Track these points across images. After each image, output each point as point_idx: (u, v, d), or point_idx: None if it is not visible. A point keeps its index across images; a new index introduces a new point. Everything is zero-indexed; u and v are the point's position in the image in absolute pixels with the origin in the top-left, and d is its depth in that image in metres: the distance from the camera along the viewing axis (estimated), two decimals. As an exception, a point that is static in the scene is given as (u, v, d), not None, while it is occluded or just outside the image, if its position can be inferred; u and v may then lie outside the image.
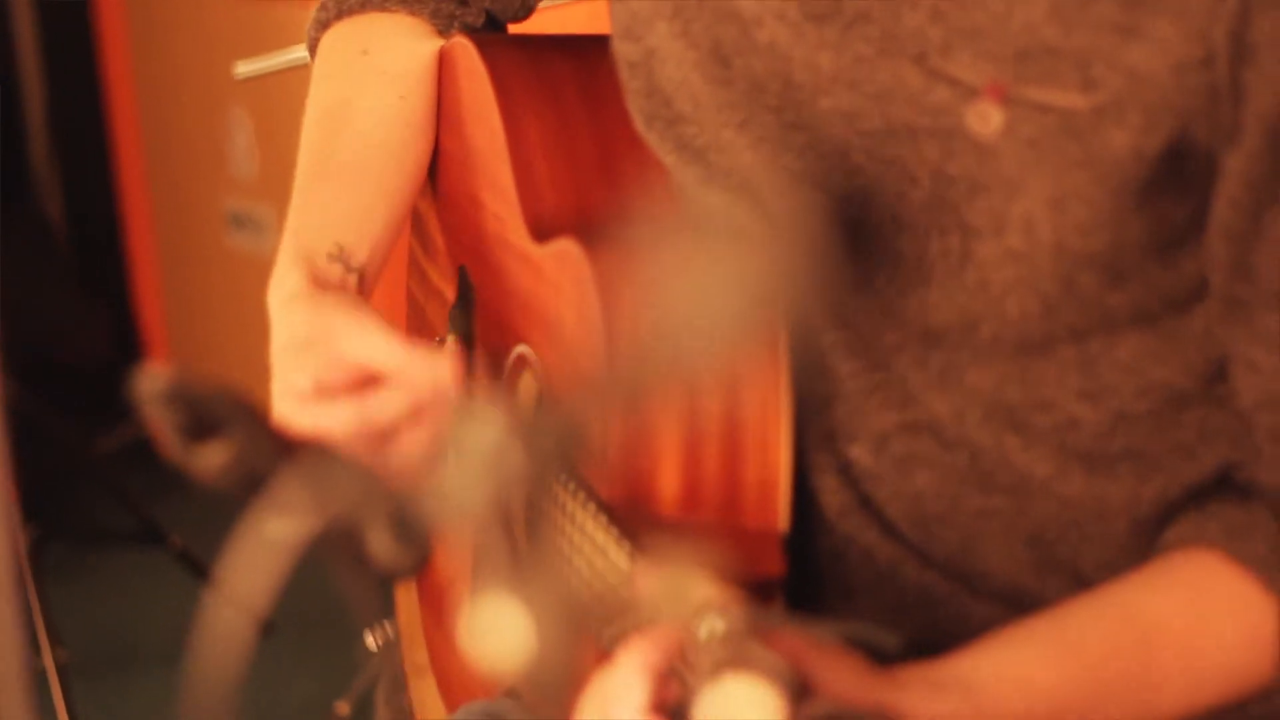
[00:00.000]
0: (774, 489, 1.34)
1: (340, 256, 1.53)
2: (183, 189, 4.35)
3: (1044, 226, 1.28)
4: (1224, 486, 1.37)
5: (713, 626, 1.11)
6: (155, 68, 4.37)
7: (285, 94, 3.97)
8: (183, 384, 1.10)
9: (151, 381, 1.10)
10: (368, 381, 1.40)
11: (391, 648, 3.21)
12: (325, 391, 1.39)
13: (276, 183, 4.08)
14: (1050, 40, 1.26)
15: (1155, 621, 1.30)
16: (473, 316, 1.68)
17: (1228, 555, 1.31)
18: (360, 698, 3.27)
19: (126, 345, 4.53)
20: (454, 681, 1.78)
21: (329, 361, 1.40)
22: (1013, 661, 1.27)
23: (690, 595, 1.13)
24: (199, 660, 1.03)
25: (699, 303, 0.96)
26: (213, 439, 1.13)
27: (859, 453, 1.39)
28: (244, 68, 2.77)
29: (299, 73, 3.79)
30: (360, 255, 1.56)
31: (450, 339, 1.73)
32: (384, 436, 1.39)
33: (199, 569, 3.66)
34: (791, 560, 1.34)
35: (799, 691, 1.11)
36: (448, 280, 1.75)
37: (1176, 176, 1.28)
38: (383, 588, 1.38)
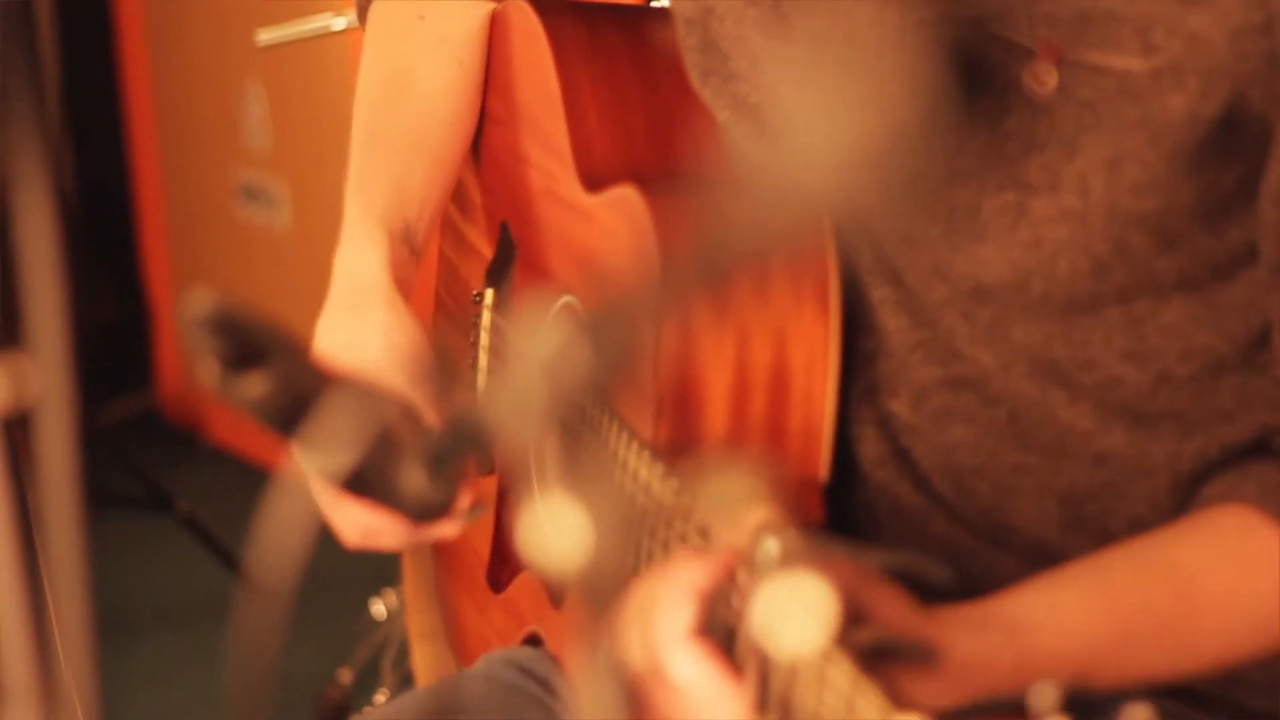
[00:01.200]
0: (817, 438, 1.37)
1: (407, 237, 1.59)
2: (195, 160, 4.36)
3: (1098, 186, 1.30)
4: (1261, 449, 1.38)
5: (768, 548, 1.13)
6: (170, 38, 4.37)
7: (300, 67, 3.98)
8: (226, 311, 1.10)
9: (196, 306, 1.11)
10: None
11: (398, 615, 3.22)
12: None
13: (289, 156, 4.08)
14: (1112, 5, 1.28)
15: (1192, 574, 1.32)
16: (513, 270, 1.71)
17: (1264, 512, 1.33)
18: (363, 665, 3.28)
19: (134, 315, 4.54)
20: (469, 638, 1.80)
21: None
22: (1054, 605, 1.29)
23: (745, 516, 1.15)
24: (242, 615, 1.04)
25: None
26: (253, 369, 1.13)
27: (899, 406, 1.42)
28: (266, 35, 2.78)
29: (315, 46, 3.81)
30: (421, 234, 1.63)
31: (489, 293, 1.75)
32: None
33: (205, 535, 3.67)
34: (827, 508, 1.37)
35: (849, 617, 1.12)
36: (486, 238, 1.77)
37: (1229, 142, 1.30)
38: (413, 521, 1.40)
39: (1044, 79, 1.31)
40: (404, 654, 3.08)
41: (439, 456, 1.12)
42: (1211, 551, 1.34)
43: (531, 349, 0.70)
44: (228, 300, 1.09)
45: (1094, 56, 1.29)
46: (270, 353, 1.12)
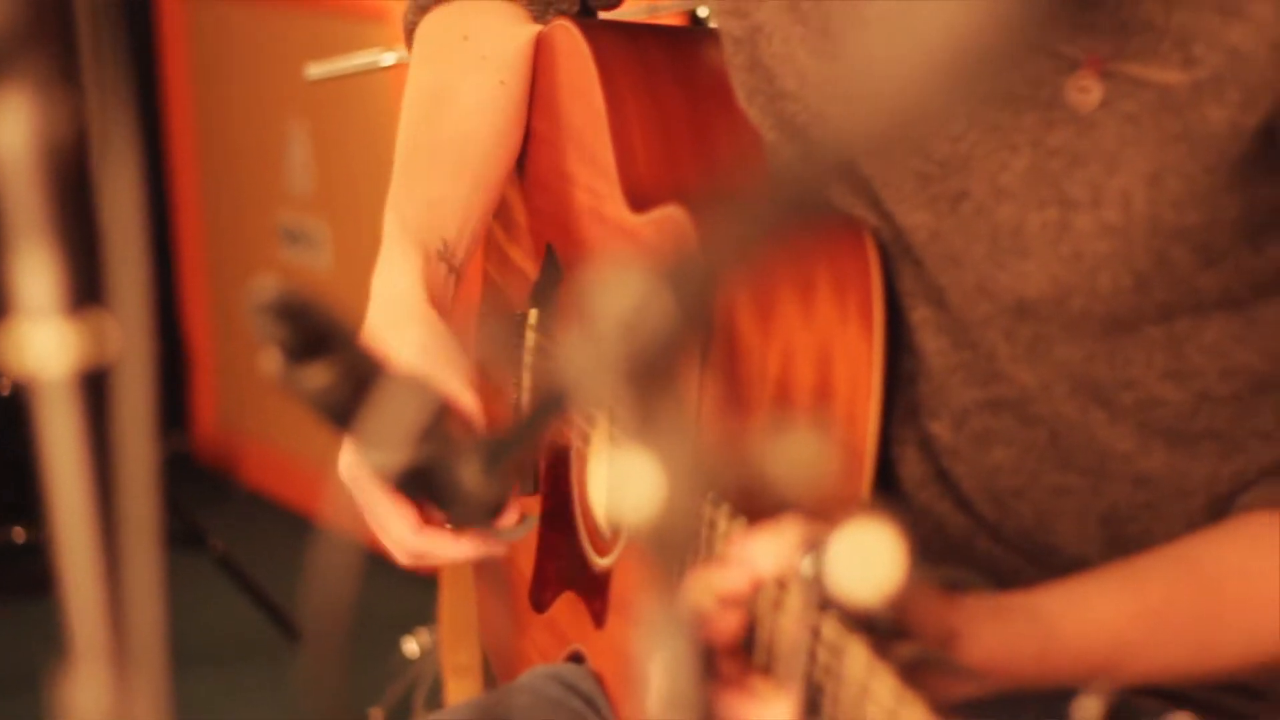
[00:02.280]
0: (860, 459, 1.37)
1: (445, 255, 1.60)
2: (237, 202, 4.39)
3: (1140, 200, 1.31)
4: None
5: (810, 564, 1.14)
6: (214, 80, 4.41)
7: (343, 109, 4.01)
8: (292, 298, 1.11)
9: (263, 293, 1.11)
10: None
11: (430, 653, 3.23)
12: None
13: (331, 198, 4.11)
14: (1150, 17, 1.30)
15: (1218, 569, 1.33)
16: (559, 290, 1.72)
17: None
18: (395, 705, 3.29)
19: (173, 357, 4.56)
20: (510, 654, 1.81)
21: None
22: (1079, 596, 1.30)
23: (790, 535, 1.16)
24: (313, 595, 1.05)
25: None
26: (316, 359, 1.14)
27: (939, 428, 1.42)
28: (316, 70, 2.80)
29: (357, 88, 3.85)
30: (460, 252, 1.64)
31: (534, 313, 1.76)
32: None
33: (238, 574, 3.68)
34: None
35: (892, 632, 1.13)
36: (531, 258, 1.79)
37: (1271, 156, 1.31)
38: (470, 521, 1.41)
39: (1088, 91, 1.32)
40: (436, 692, 3.08)
41: (494, 451, 1.12)
42: (1240, 553, 1.34)
43: (609, 303, 0.71)
44: (294, 288, 1.10)
45: (1136, 69, 1.31)
46: (333, 344, 1.12)
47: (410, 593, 3.58)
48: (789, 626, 1.15)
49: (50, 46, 0.73)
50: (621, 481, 0.71)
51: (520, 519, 1.47)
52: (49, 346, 0.74)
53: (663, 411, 0.70)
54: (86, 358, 0.74)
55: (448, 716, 1.61)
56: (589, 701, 1.60)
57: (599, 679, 1.58)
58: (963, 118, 1.36)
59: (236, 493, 4.41)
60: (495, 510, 1.28)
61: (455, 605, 2.72)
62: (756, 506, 1.28)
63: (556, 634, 1.67)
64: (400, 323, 1.56)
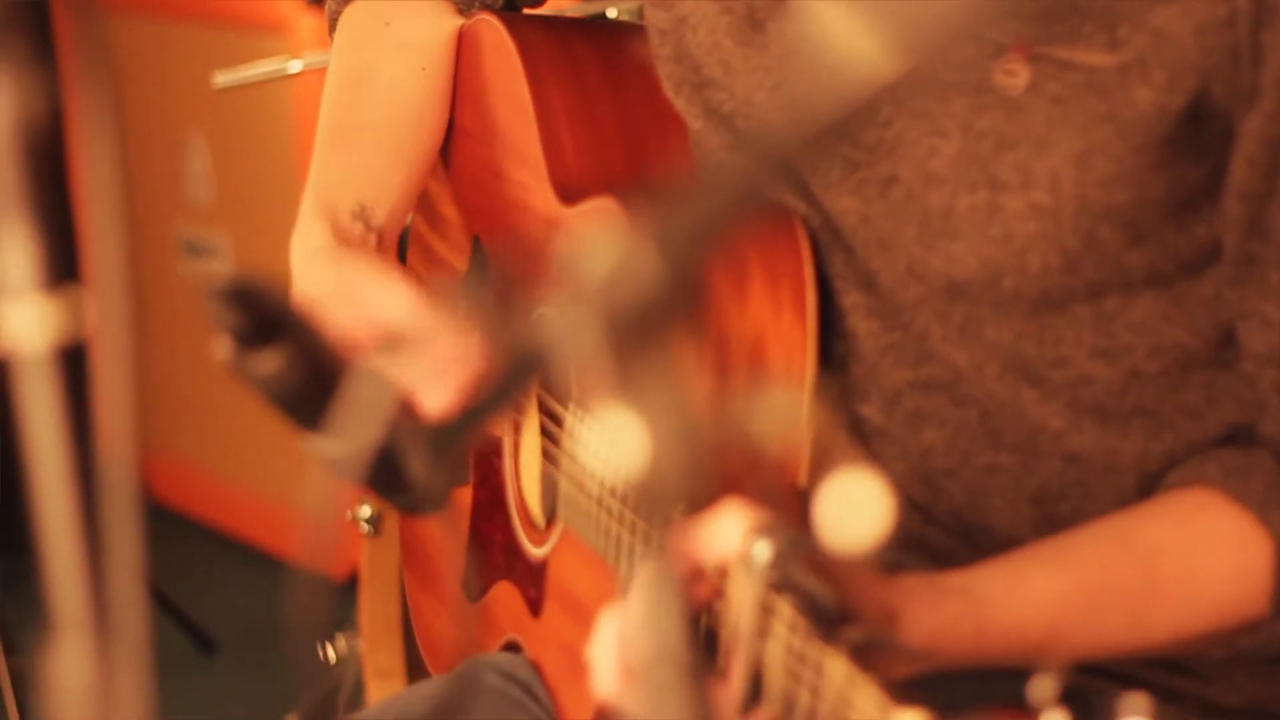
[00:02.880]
0: (796, 448, 1.39)
1: (361, 215, 1.59)
2: (137, 214, 4.36)
3: (1068, 181, 1.33)
4: (1228, 442, 1.42)
5: (760, 550, 1.15)
6: (113, 91, 4.38)
7: (242, 120, 3.99)
8: (243, 284, 1.11)
9: (214, 279, 1.11)
10: (391, 339, 1.43)
11: (350, 658, 3.22)
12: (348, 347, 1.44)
13: (231, 209, 4.09)
14: (1077, 1, 1.32)
15: (1152, 546, 1.36)
16: (488, 283, 1.73)
17: (1225, 493, 1.36)
18: (310, 711, 3.27)
19: (73, 370, 4.52)
20: (442, 648, 1.82)
21: (353, 318, 1.44)
22: (1014, 574, 1.32)
23: (734, 522, 1.18)
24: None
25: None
26: (267, 346, 1.13)
27: (870, 411, 1.44)
28: (222, 78, 2.79)
29: (257, 99, 3.83)
30: (379, 216, 1.62)
31: (463, 307, 1.77)
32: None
33: (150, 587, 3.66)
34: (805, 516, 1.39)
35: (839, 616, 1.14)
36: (458, 252, 1.79)
37: (1196, 136, 1.33)
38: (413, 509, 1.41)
39: (1016, 74, 1.34)
40: (357, 695, 3.07)
41: (443, 437, 1.13)
42: (1173, 530, 1.37)
43: (589, 262, 0.72)
44: (245, 273, 1.10)
45: (1062, 51, 1.33)
46: (286, 329, 1.12)
47: (325, 600, 3.61)
48: (734, 612, 1.16)
49: (25, 26, 0.74)
50: (607, 442, 0.72)
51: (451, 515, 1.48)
52: (27, 323, 0.75)
53: (646, 372, 0.71)
54: (65, 334, 0.75)
55: (400, 704, 1.62)
56: (527, 689, 1.60)
57: (536, 667, 1.59)
58: (890, 104, 1.38)
59: (146, 507, 4.37)
60: (443, 499, 1.28)
61: (376, 607, 2.72)
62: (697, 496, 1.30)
63: (491, 623, 1.68)
64: (307, 266, 1.55)
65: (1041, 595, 1.32)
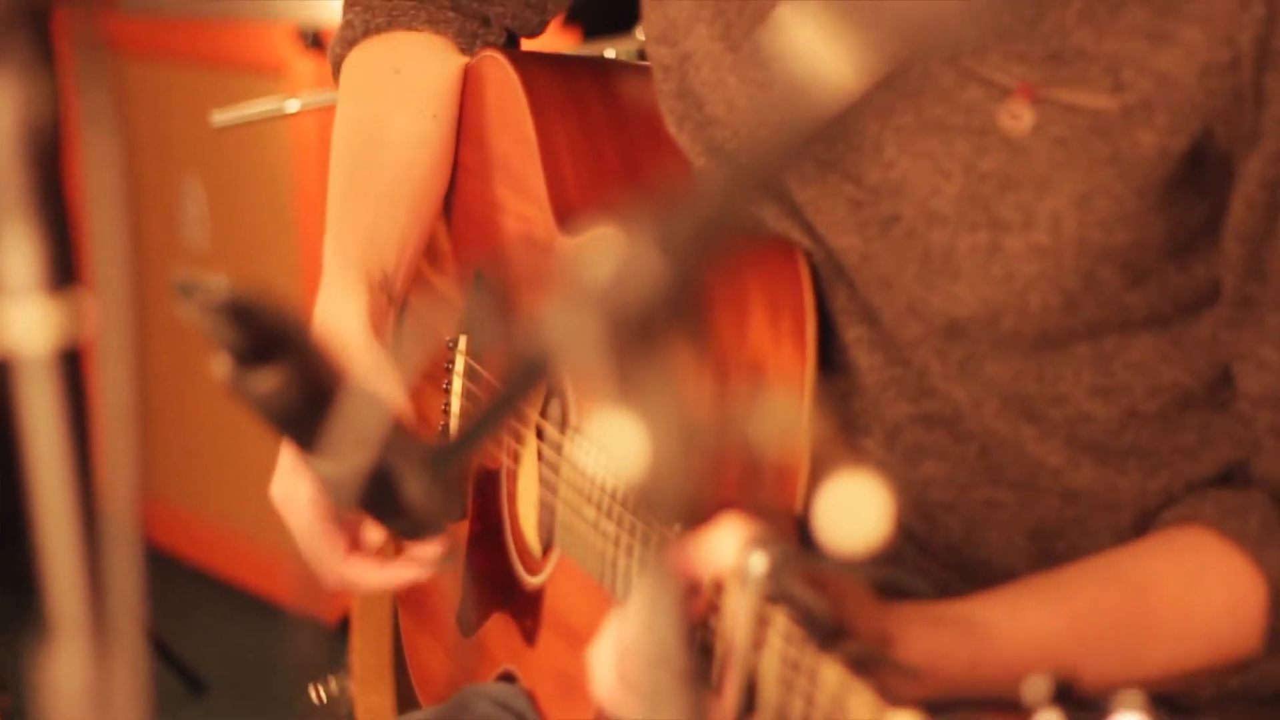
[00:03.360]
0: (794, 474, 1.39)
1: (385, 286, 1.62)
2: (132, 257, 4.36)
3: (1070, 222, 1.34)
4: (1225, 481, 1.42)
5: (756, 562, 1.15)
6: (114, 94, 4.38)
7: (238, 164, 4.00)
8: (242, 300, 1.10)
9: (212, 293, 1.10)
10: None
11: (338, 700, 3.21)
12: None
13: (227, 252, 4.10)
14: (1081, 44, 1.33)
15: (1146, 582, 1.36)
16: (490, 314, 1.73)
17: (1220, 532, 1.37)
18: (301, 752, 3.27)
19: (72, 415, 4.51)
20: (436, 682, 1.82)
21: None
22: (1009, 606, 1.33)
23: (731, 535, 1.18)
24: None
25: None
26: (266, 364, 1.13)
27: (871, 445, 1.44)
28: (220, 116, 2.80)
29: (254, 140, 3.83)
30: (398, 283, 1.67)
31: (462, 340, 1.77)
32: None
33: (159, 647, 3.66)
34: (801, 541, 1.39)
35: (835, 630, 1.14)
36: (457, 285, 1.80)
37: (1197, 178, 1.34)
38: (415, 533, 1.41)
39: (1020, 117, 1.35)
40: (346, 737, 3.06)
41: (441, 459, 1.12)
42: (1167, 565, 1.37)
43: (592, 264, 0.72)
44: (245, 289, 1.09)
45: (1066, 94, 1.33)
46: (284, 347, 1.12)
47: (317, 642, 3.62)
48: (729, 625, 1.16)
49: (28, 29, 0.74)
50: (609, 446, 0.72)
51: (446, 554, 1.48)
52: (29, 324, 0.75)
53: (648, 375, 0.71)
54: (67, 335, 0.75)
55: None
56: (521, 718, 1.60)
57: (531, 696, 1.59)
58: (894, 145, 1.39)
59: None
60: (439, 523, 1.29)
61: (367, 647, 2.71)
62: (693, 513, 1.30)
63: (485, 656, 1.68)
64: (348, 360, 1.58)
65: (1036, 627, 1.32)
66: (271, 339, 1.11)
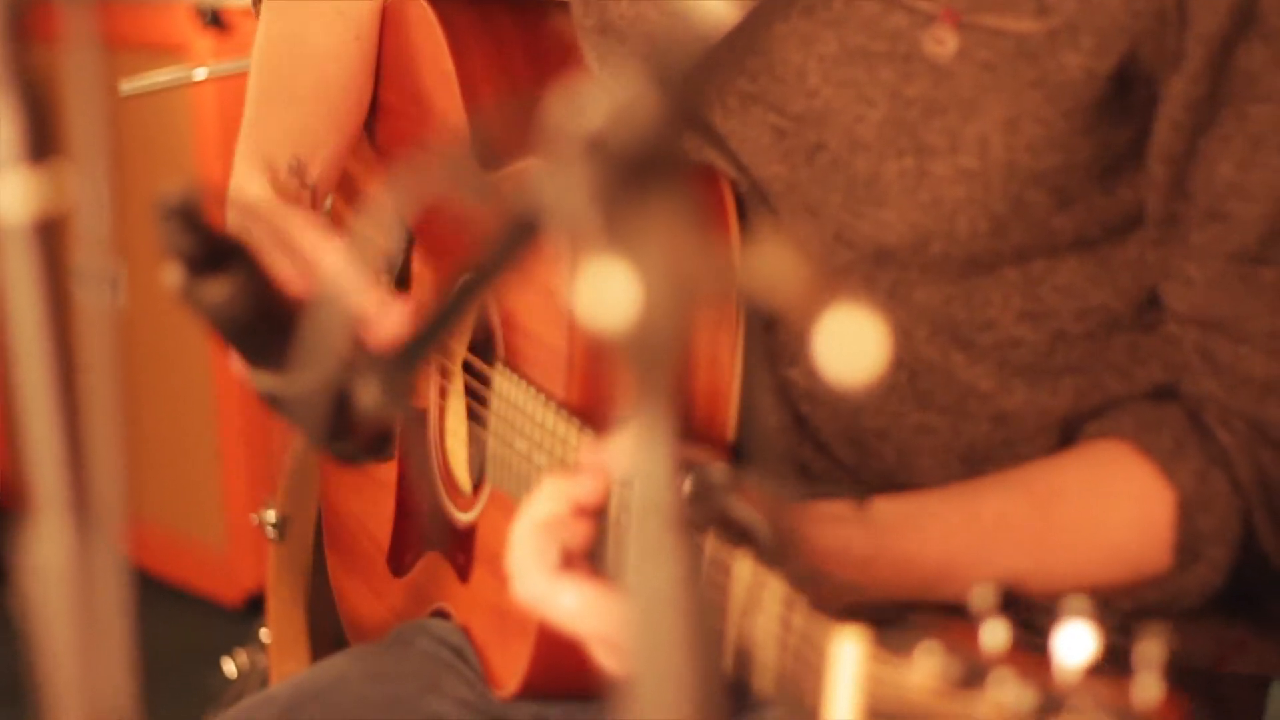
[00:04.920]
0: (724, 401, 1.40)
1: (298, 170, 1.60)
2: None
3: (997, 146, 1.35)
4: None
5: (694, 480, 1.16)
6: None
7: (141, 141, 3.97)
8: (198, 206, 1.10)
9: (168, 197, 1.10)
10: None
11: (251, 673, 3.20)
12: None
13: (123, 237, 4.06)
14: None
15: (1053, 492, 1.38)
16: (409, 253, 1.74)
17: (1135, 445, 1.38)
18: (220, 722, 3.25)
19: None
20: (367, 624, 1.82)
21: (293, 269, 1.44)
22: (915, 510, 1.35)
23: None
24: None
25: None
26: (217, 273, 1.12)
27: (796, 374, 1.45)
28: (128, 85, 2.78)
29: (156, 118, 3.80)
30: (314, 173, 1.64)
31: (384, 279, 1.77)
32: None
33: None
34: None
35: (778, 547, 1.16)
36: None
37: (1123, 100, 1.35)
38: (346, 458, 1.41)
39: (944, 42, 1.36)
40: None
41: (403, 356, 1.11)
42: (1076, 476, 1.39)
43: (583, 113, 0.72)
44: (198, 192, 1.09)
45: (991, 19, 1.35)
46: (236, 258, 1.12)
47: (216, 623, 3.68)
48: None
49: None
50: (602, 293, 0.72)
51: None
52: (8, 196, 0.75)
53: (645, 220, 0.71)
54: (46, 207, 0.75)
55: (329, 670, 1.62)
56: (458, 653, 1.61)
57: (466, 631, 1.59)
58: (817, 74, 1.40)
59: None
60: (389, 440, 1.27)
61: (283, 613, 2.70)
62: (607, 419, 1.32)
63: (417, 595, 1.68)
64: (249, 215, 1.55)
65: (937, 530, 1.34)
66: (223, 246, 1.12)
